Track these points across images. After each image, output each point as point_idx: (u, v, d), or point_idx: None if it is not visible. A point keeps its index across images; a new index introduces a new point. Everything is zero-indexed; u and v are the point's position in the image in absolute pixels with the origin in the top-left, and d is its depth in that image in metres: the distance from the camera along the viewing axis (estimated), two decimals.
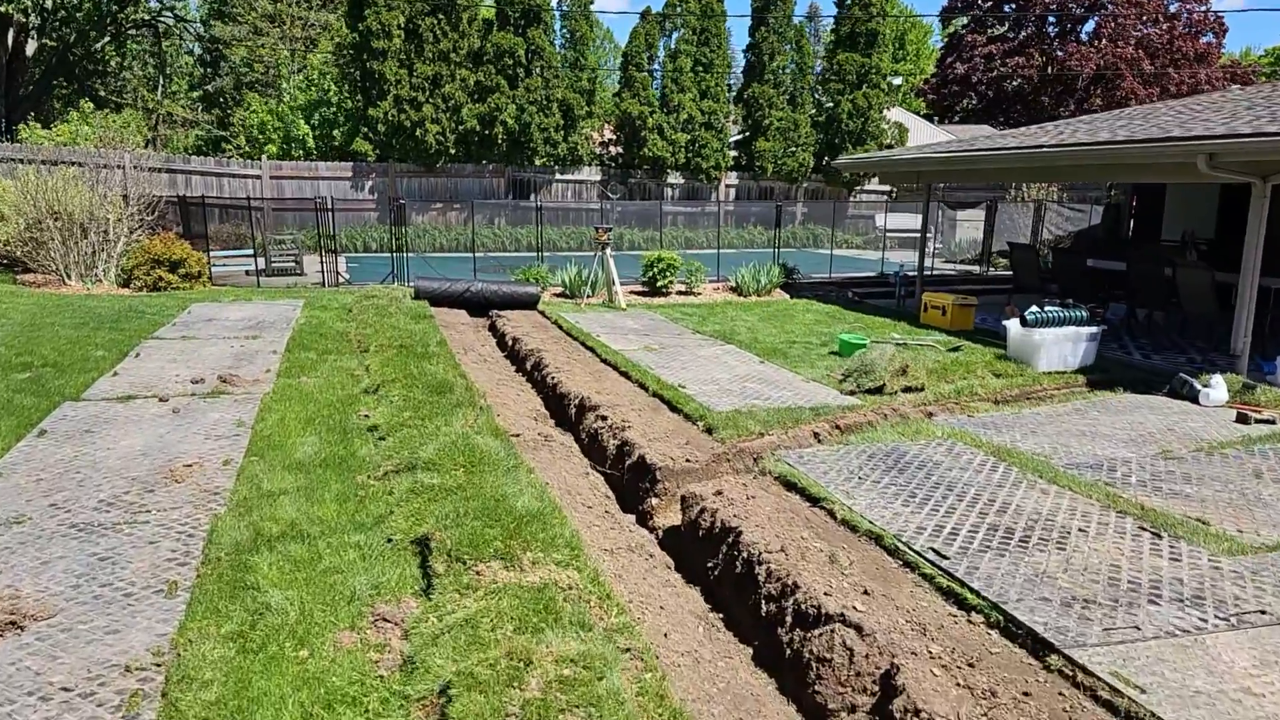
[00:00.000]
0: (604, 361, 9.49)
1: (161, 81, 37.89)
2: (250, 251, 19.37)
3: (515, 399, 8.36)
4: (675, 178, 24.92)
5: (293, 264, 16.65)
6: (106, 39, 35.58)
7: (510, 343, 11.09)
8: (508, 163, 23.62)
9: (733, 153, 25.39)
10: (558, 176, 24.21)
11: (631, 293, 14.02)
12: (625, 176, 24.63)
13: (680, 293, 14.45)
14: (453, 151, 22.80)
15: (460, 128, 22.62)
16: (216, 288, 14.21)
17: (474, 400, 6.88)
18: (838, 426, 7.06)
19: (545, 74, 22.92)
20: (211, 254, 16.04)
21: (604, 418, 7.41)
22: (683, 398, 7.59)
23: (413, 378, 7.46)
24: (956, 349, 9.67)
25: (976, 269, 17.46)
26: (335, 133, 24.34)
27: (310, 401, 7.12)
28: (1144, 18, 43.81)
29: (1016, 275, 12.67)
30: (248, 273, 15.49)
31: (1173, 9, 43.87)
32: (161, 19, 35.85)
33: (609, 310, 12.75)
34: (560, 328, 11.65)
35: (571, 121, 23.52)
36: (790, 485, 5.62)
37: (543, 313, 12.82)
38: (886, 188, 26.72)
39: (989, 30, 48.60)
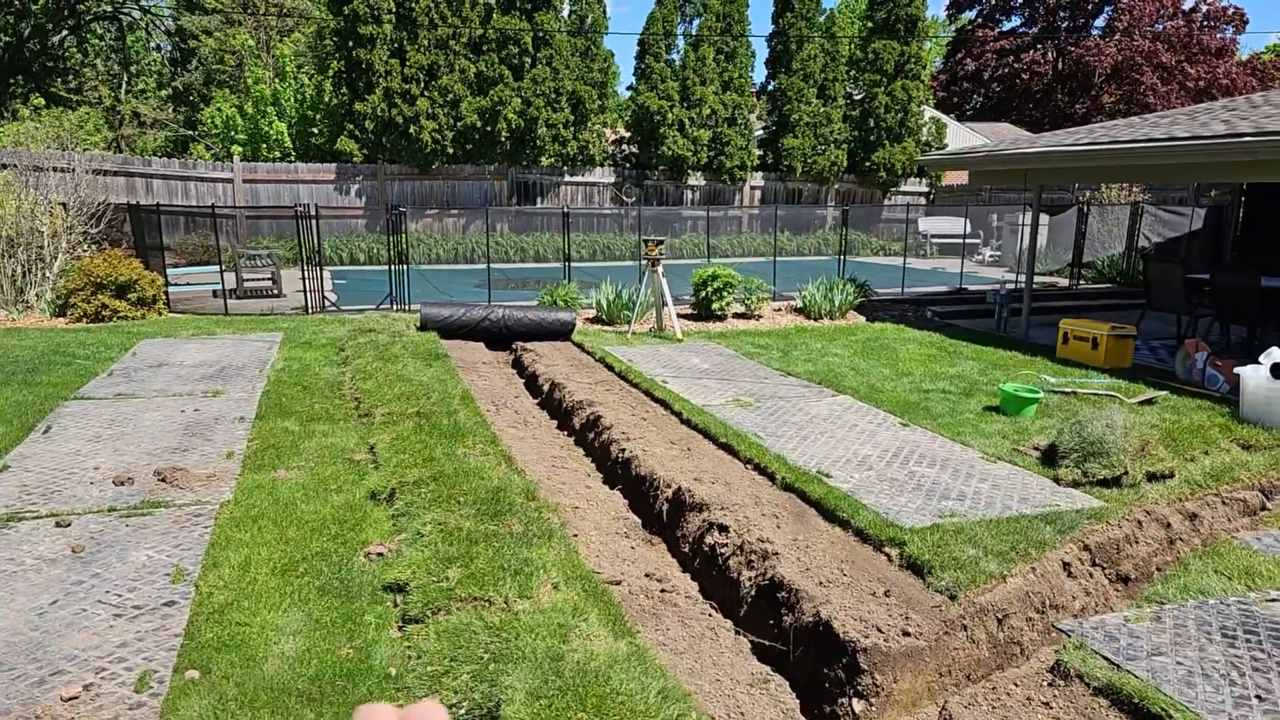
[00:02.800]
0: (687, 423, 7.08)
1: (126, 79, 35.08)
2: (219, 267, 16.82)
3: (582, 490, 5.92)
4: (696, 179, 22.54)
5: (269, 283, 14.13)
6: (65, 32, 32.77)
7: (546, 389, 8.67)
8: (511, 163, 21.15)
9: (757, 151, 23.04)
10: (566, 179, 21.77)
11: (679, 316, 11.61)
12: (641, 178, 22.23)
13: (738, 315, 12.05)
14: (450, 151, 20.31)
15: (459, 124, 20.13)
16: (175, 316, 11.66)
17: (547, 525, 4.44)
18: (1092, 551, 4.69)
19: (554, 63, 20.47)
20: (171, 272, 13.49)
21: (723, 527, 5.02)
22: (838, 496, 5.20)
23: (446, 477, 5.01)
24: (1150, 401, 7.33)
25: (1062, 282, 15.16)
26: (314, 130, 21.77)
27: (291, 522, 4.66)
28: (1160, 11, 42.00)
29: (1153, 294, 10.37)
30: (215, 294, 12.95)
31: (1189, 2, 42.11)
32: (125, 11, 33.08)
33: (662, 342, 10.34)
34: (608, 367, 9.23)
35: (582, 117, 21.09)
36: (1131, 709, 3.23)
37: (580, 345, 10.39)
38: (925, 189, 24.47)
39: (999, 25, 46.72)
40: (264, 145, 20.95)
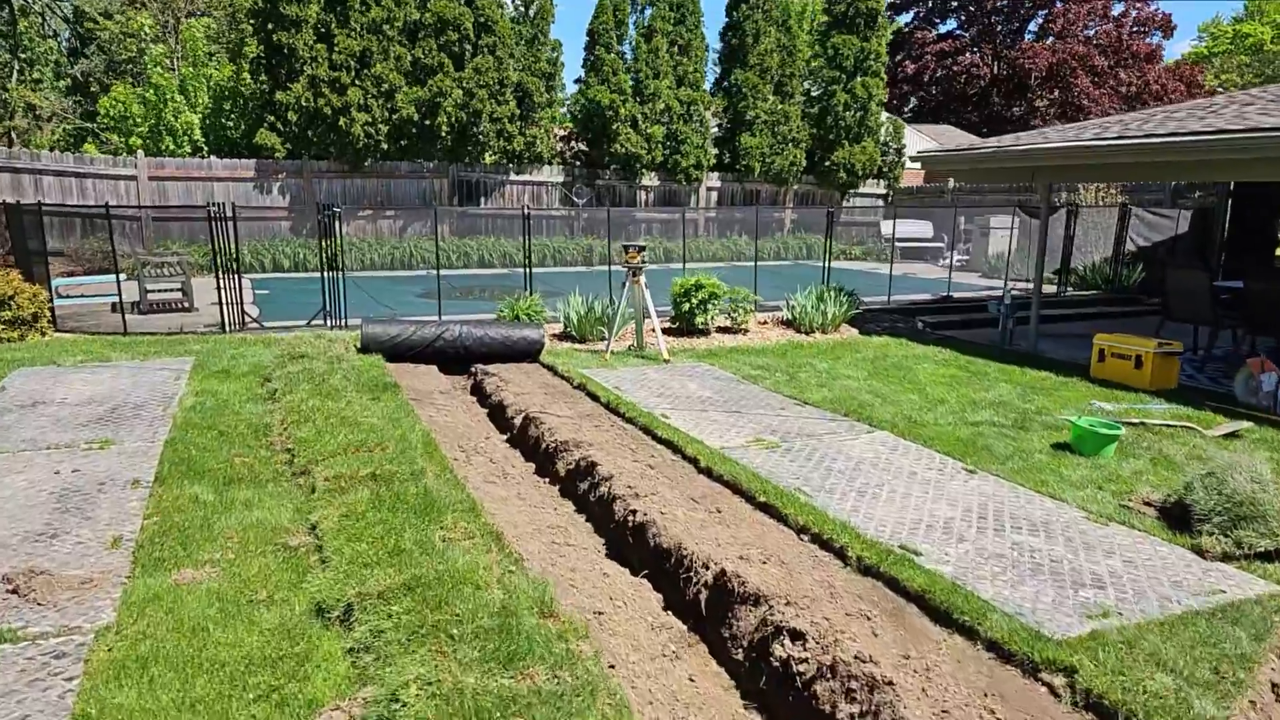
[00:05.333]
0: (707, 473, 5.78)
1: (17, 67, 31.98)
2: (122, 276, 14.83)
3: (598, 581, 4.55)
4: (650, 179, 21.26)
5: (178, 294, 12.29)
6: None
7: (519, 423, 7.27)
8: (452, 160, 19.52)
9: (713, 150, 21.90)
10: (512, 177, 20.24)
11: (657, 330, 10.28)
12: (592, 178, 20.84)
13: (723, 330, 10.81)
14: (385, 146, 18.58)
15: (394, 116, 18.42)
16: (62, 337, 9.81)
17: (584, 673, 3.06)
18: None
19: (498, 52, 18.93)
20: (61, 283, 11.58)
21: (796, 634, 3.76)
22: (945, 588, 3.97)
23: (425, 585, 3.58)
24: (1234, 434, 6.34)
25: (1047, 289, 14.35)
26: (229, 123, 19.75)
27: (200, 666, 3.19)
28: (1091, 14, 42.63)
29: (1173, 304, 9.52)
30: (115, 308, 11.08)
31: (1119, 9, 42.86)
32: None
33: (646, 363, 9.01)
34: (591, 395, 7.86)
35: (529, 110, 19.60)
36: None
37: (551, 368, 8.98)
38: (883, 190, 23.70)
39: (936, 27, 46.88)
40: (170, 138, 18.84)
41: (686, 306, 10.28)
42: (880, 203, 23.74)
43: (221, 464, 5.51)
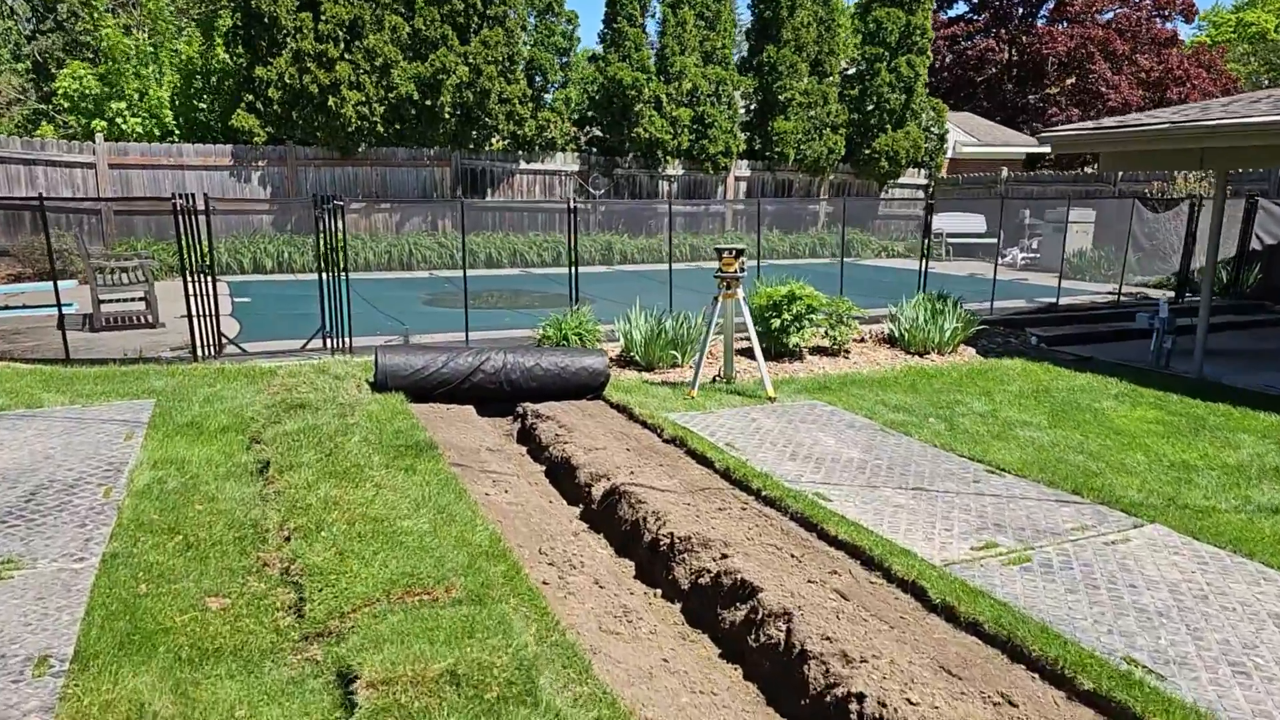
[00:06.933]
0: (940, 611, 3.77)
1: None
2: (73, 283, 12.55)
3: None
4: (674, 168, 19.14)
5: (139, 305, 10.09)
6: None
7: (603, 498, 5.28)
8: (455, 146, 17.31)
9: (743, 135, 19.81)
10: (522, 166, 18.06)
11: (736, 353, 8.20)
12: (610, 167, 18.70)
13: (819, 350, 8.76)
14: (380, 130, 16.35)
15: (390, 96, 16.19)
16: None
17: None
18: None
19: (507, 23, 16.73)
20: None
21: None
22: None
23: None
24: None
25: (1156, 294, 12.43)
26: (201, 104, 17.43)
27: None
28: None
29: None
30: (62, 323, 8.83)
31: None
32: None
33: (746, 400, 6.96)
34: (693, 454, 5.82)
35: (543, 91, 17.43)
36: None
37: (623, 408, 6.91)
38: (922, 181, 21.73)
39: (945, 10, 45.01)
40: (135, 120, 16.49)
41: (777, 323, 8.23)
42: (920, 194, 21.77)
43: (186, 616, 3.42)
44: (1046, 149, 32.13)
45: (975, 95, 43.96)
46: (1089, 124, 8.88)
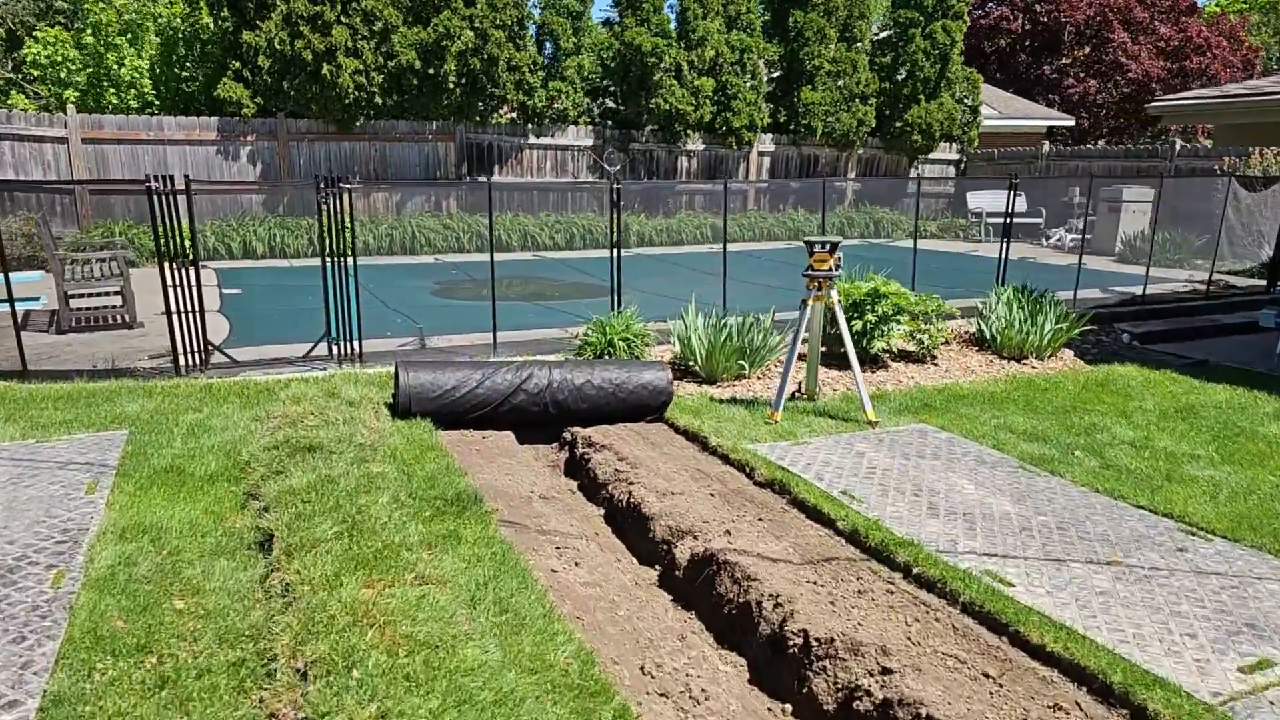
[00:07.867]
0: None
1: None
2: (41, 274, 11.28)
3: None
4: (695, 142, 17.84)
5: (113, 302, 8.83)
6: None
7: (689, 564, 4.22)
8: (460, 120, 15.97)
9: (767, 107, 18.49)
10: (531, 140, 16.73)
11: (798, 357, 7.01)
12: (625, 141, 17.39)
13: (902, 356, 7.59)
14: (379, 101, 14.99)
15: (390, 64, 14.82)
16: None
17: None
18: None
19: None
20: None
21: None
22: None
23: None
24: None
25: (1240, 283, 11.30)
26: (184, 72, 16.01)
27: None
28: None
29: None
30: (22, 328, 7.56)
31: None
32: None
33: (840, 424, 5.80)
34: (800, 505, 4.66)
35: (555, 59, 16.08)
36: None
37: (692, 435, 5.74)
38: (954, 157, 20.47)
39: None
40: (112, 89, 15.10)
41: (858, 325, 7.05)
42: (952, 170, 20.53)
43: None
44: (1068, 121, 30.56)
45: (988, 66, 42.56)
46: (1211, 90, 7.67)
